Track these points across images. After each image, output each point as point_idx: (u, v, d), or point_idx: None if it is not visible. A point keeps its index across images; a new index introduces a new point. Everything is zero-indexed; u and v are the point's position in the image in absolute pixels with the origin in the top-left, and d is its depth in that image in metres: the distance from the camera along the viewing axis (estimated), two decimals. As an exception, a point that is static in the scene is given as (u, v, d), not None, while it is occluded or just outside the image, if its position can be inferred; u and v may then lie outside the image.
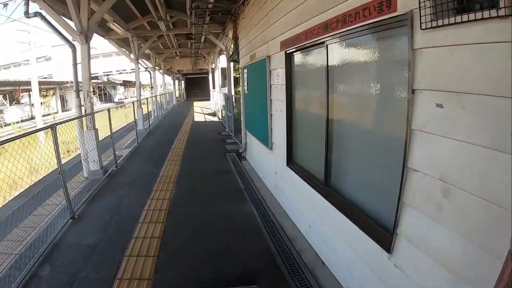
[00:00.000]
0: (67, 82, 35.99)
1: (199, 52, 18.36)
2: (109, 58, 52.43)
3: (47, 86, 36.15)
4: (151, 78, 19.29)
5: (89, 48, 7.05)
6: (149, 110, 15.60)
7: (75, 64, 7.31)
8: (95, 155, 6.87)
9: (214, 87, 22.73)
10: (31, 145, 7.03)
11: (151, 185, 6.28)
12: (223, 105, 15.59)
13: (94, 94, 53.41)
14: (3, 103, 35.27)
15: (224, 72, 23.50)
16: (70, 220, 4.74)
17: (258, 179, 6.50)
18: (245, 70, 7.30)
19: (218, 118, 17.51)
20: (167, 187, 6.13)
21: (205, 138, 11.59)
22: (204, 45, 17.14)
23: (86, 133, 6.79)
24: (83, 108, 7.19)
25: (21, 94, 31.68)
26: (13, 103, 37.77)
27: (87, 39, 6.88)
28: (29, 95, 40.18)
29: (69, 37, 7.43)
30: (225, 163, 8.00)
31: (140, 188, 6.19)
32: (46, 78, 43.49)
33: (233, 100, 10.89)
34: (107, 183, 6.63)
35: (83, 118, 6.85)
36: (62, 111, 38.32)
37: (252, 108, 6.90)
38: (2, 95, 34.51)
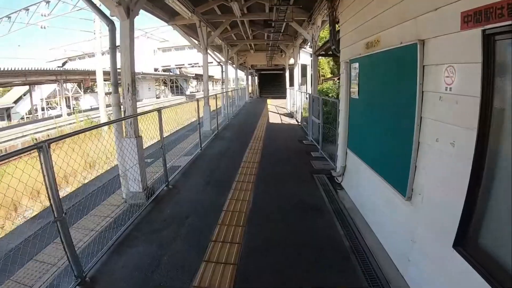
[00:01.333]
0: (139, 73, 37.31)
1: (277, 45, 16.32)
2: (181, 51, 53.01)
3: (118, 77, 36.97)
4: (222, 72, 17.73)
5: (132, 25, 5.11)
6: (218, 107, 13.98)
7: (113, 48, 5.39)
8: (136, 172, 5.15)
9: (291, 85, 20.75)
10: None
11: (209, 228, 4.40)
12: (303, 107, 13.47)
13: (165, 86, 54.80)
14: (78, 91, 37.57)
15: (304, 68, 21.41)
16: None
17: (369, 230, 4.29)
18: (354, 65, 5.10)
19: (297, 120, 15.42)
20: (232, 237, 4.17)
21: (284, 148, 9.58)
22: (283, 37, 15.11)
23: (125, 142, 5.07)
24: (122, 108, 5.38)
25: (89, 83, 32.33)
26: (88, 91, 40.77)
27: (129, 12, 5.06)
28: (103, 85, 42.28)
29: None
30: (314, 191, 5.92)
31: (191, 234, 4.32)
32: (119, 68, 44.95)
33: (322, 103, 8.65)
34: (147, 216, 4.89)
35: (123, 121, 5.17)
36: None
37: (367, 123, 4.66)
38: (76, 84, 36.86)
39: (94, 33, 21.58)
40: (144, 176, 5.35)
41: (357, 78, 4.93)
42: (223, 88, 18.33)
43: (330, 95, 20.02)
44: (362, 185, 4.96)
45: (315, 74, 10.54)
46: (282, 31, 11.83)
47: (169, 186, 6.08)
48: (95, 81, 37.50)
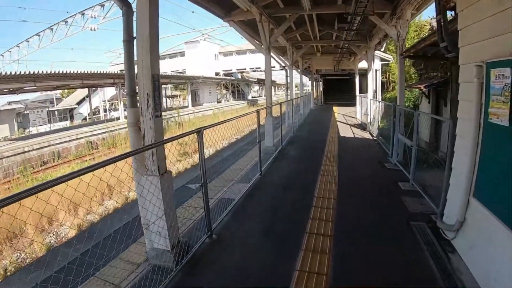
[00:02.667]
0: (199, 77, 38.44)
1: (348, 45, 14.33)
2: (242, 56, 52.59)
3: (177, 81, 37.42)
4: (287, 76, 16.18)
5: (154, 5, 3.50)
6: (282, 113, 12.44)
7: (128, 41, 3.78)
8: (160, 226, 3.65)
9: (363, 92, 18.66)
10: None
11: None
12: (381, 120, 11.44)
13: (227, 90, 54.66)
14: None
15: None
16: None
17: None
18: (500, 71, 3.16)
19: (371, 134, 13.33)
20: None
21: (365, 175, 7.69)
22: (356, 37, 13.15)
23: (145, 180, 3.59)
24: (143, 127, 3.65)
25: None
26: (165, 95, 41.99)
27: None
28: (164, 89, 43.49)
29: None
30: (415, 252, 4.08)
31: None
32: (180, 72, 46.09)
33: (417, 120, 6.63)
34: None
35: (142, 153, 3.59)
36: (193, 105, 39.79)
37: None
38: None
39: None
40: (175, 228, 3.85)
41: (510, 92, 3.00)
42: (287, 95, 16.65)
43: (406, 105, 17.62)
44: (498, 261, 3.04)
45: (402, 80, 8.47)
46: (356, 28, 9.89)
47: (212, 236, 4.52)
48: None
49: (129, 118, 3.85)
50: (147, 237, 3.87)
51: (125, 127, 22.91)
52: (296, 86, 28.11)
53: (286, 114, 14.16)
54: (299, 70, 22.63)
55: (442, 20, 5.01)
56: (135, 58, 3.60)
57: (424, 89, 10.17)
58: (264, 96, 65.86)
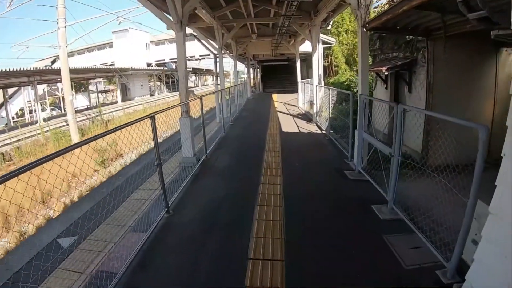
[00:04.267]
0: (127, 69, 35.05)
1: (289, 23, 12.07)
2: (175, 45, 49.10)
3: (103, 74, 33.16)
4: (216, 63, 13.72)
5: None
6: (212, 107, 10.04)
7: None
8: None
9: (304, 78, 16.76)
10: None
11: None
12: (331, 112, 9.48)
13: (161, 81, 51.08)
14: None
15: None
16: None
17: None
18: None
19: (318, 126, 11.39)
20: None
21: (320, 195, 5.52)
22: (298, 13, 10.97)
23: None
24: None
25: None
26: (81, 90, 39.29)
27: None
28: (96, 83, 39.21)
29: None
30: None
31: None
32: (110, 65, 41.96)
33: (401, 119, 4.49)
34: None
35: None
36: (122, 101, 35.72)
37: None
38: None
39: (57, 23, 17.45)
40: None
41: None
42: (217, 85, 14.12)
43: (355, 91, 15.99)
44: None
45: (365, 60, 6.32)
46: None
47: None
48: (86, 79, 35.64)
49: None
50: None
51: (48, 131, 19.19)
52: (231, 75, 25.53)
53: (217, 108, 11.70)
54: (232, 55, 20.12)
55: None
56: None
57: (386, 72, 8.27)
58: (201, 85, 62.68)
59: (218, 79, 13.83)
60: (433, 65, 7.04)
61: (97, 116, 26.73)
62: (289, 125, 11.94)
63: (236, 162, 7.56)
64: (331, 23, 12.57)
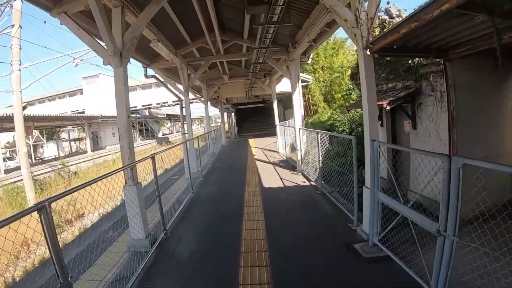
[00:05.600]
0: (97, 117, 33.63)
1: (264, 58, 10.52)
2: (148, 90, 47.79)
3: (71, 122, 31.23)
4: (182, 108, 11.93)
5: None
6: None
7: None
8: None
9: (282, 120, 15.16)
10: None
11: None
12: (321, 160, 7.75)
13: (134, 129, 49.14)
14: (41, 139, 34.88)
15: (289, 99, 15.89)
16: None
17: None
18: None
19: (305, 176, 9.63)
20: None
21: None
22: (273, 49, 9.53)
23: None
24: None
25: (32, 131, 27.03)
26: (53, 138, 37.42)
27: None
28: (68, 131, 37.24)
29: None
30: None
31: None
32: (81, 112, 40.42)
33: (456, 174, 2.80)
34: None
35: None
36: (93, 150, 33.93)
37: None
38: (38, 131, 33.73)
39: (11, 65, 15.50)
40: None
41: None
42: (184, 134, 12.18)
43: (341, 130, 14.45)
44: None
45: (371, 92, 4.63)
46: (277, 21, 6.25)
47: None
48: (54, 127, 33.62)
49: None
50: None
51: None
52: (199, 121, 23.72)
53: (185, 162, 9.77)
54: (203, 99, 18.50)
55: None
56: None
57: (387, 107, 6.65)
58: (176, 132, 60.88)
59: (185, 126, 11.95)
60: (454, 92, 5.47)
61: (63, 168, 24.77)
62: (270, 178, 10.07)
63: (205, 242, 5.53)
64: (311, 55, 11.12)
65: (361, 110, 12.37)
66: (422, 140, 7.08)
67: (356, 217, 5.49)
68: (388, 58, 7.79)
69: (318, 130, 7.89)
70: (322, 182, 8.03)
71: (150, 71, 11.24)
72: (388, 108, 6.71)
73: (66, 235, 9.37)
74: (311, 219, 6.14)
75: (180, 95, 11.91)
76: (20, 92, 15.33)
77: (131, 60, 10.38)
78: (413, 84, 7.03)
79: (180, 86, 12.32)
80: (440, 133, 6.50)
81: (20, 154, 15.77)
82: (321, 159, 7.74)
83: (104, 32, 4.87)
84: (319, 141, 7.68)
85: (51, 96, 48.89)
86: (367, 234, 4.91)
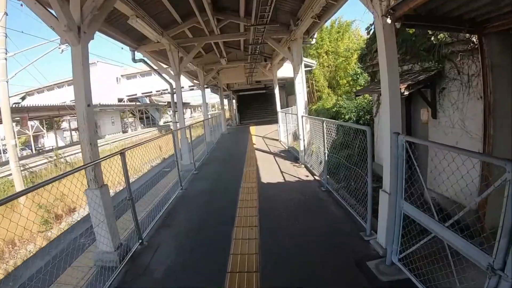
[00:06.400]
0: (95, 106, 31.97)
1: (262, 38, 9.44)
2: (148, 78, 46.92)
3: (68, 112, 30.51)
4: (173, 94, 10.96)
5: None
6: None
7: None
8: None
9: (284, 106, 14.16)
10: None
11: None
12: (327, 152, 6.79)
13: (134, 117, 48.35)
14: (41, 129, 34.28)
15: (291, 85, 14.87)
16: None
17: None
18: None
19: (308, 169, 8.72)
20: None
21: None
22: (273, 28, 8.55)
23: None
24: None
25: (27, 123, 26.20)
26: (53, 128, 36.14)
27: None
28: (69, 121, 36.71)
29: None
30: None
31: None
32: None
33: None
34: None
35: None
36: None
37: None
38: (39, 121, 33.31)
39: None
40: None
41: None
42: (176, 123, 11.15)
43: (347, 118, 13.44)
44: None
45: (393, 73, 3.64)
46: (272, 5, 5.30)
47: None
48: (56, 117, 33.43)
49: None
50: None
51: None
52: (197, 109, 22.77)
53: (176, 154, 8.81)
54: (200, 85, 17.45)
55: None
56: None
57: (406, 93, 5.66)
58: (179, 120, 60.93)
59: (176, 115, 10.96)
60: (492, 74, 4.46)
61: (60, 158, 24.11)
62: (270, 171, 9.13)
63: (187, 254, 4.60)
64: (315, 35, 10.03)
65: (370, 96, 11.32)
66: (443, 131, 6.11)
67: (369, 225, 4.57)
68: (411, 30, 6.72)
69: (324, 119, 6.88)
70: (328, 177, 7.10)
71: (138, 55, 10.27)
72: (406, 93, 5.72)
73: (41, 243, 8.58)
74: (315, 224, 5.20)
75: (171, 80, 10.88)
76: (7, 82, 14.39)
77: (123, 45, 9.81)
78: (434, 66, 6.03)
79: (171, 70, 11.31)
80: (466, 123, 5.52)
81: (8, 147, 14.90)
82: (326, 151, 6.79)
83: (56, 3, 3.86)
84: (325, 131, 6.72)
85: (49, 86, 48.18)
86: (383, 247, 4.00)
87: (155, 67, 10.86)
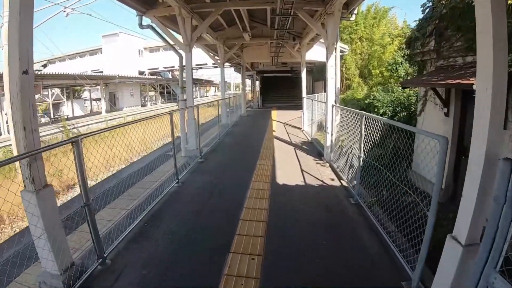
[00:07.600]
0: (114, 77, 32.22)
1: (291, 8, 7.80)
2: (171, 52, 45.59)
3: (85, 81, 29.79)
4: (182, 67, 9.48)
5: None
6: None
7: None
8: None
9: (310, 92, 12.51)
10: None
11: None
12: (364, 157, 5.25)
13: (155, 91, 47.56)
14: (61, 98, 33.78)
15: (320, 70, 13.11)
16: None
17: None
18: None
19: (334, 171, 7.19)
20: None
21: None
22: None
23: None
24: None
25: (41, 90, 25.74)
26: (75, 96, 36.67)
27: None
28: (89, 90, 36.31)
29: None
30: None
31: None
32: (100, 72, 39.61)
33: None
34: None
35: None
36: (111, 110, 33.26)
37: None
38: (60, 89, 33.02)
39: (1, 17, 13.32)
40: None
41: None
42: (183, 101, 9.62)
43: (380, 112, 11.73)
44: None
45: (499, 51, 2.18)
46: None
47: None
48: (74, 86, 33.40)
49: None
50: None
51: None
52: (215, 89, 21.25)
53: (182, 137, 7.28)
54: (219, 60, 15.90)
55: None
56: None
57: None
58: (200, 97, 59.41)
59: (184, 93, 9.48)
60: None
61: (73, 128, 23.47)
62: (288, 168, 7.63)
63: (163, 282, 3.28)
64: (355, 11, 8.38)
65: (411, 90, 9.61)
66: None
67: (418, 274, 3.06)
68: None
69: (365, 113, 5.27)
70: (360, 186, 5.58)
71: (147, 20, 8.84)
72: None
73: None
74: (338, 262, 3.68)
75: (181, 51, 9.37)
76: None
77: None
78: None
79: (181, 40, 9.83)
80: None
81: (9, 117, 13.92)
82: (363, 155, 5.24)
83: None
84: (364, 128, 5.16)
85: (71, 54, 47.77)
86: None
87: (165, 36, 9.39)
